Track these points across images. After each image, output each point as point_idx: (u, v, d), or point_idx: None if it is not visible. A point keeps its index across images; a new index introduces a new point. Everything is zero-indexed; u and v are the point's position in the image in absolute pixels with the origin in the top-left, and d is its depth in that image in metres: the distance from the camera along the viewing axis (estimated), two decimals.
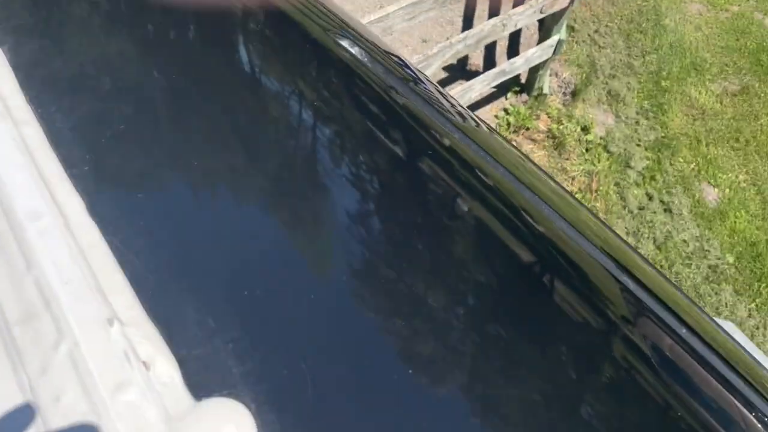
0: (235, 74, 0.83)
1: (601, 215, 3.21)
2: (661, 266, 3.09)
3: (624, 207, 3.26)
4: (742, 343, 2.08)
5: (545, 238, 0.78)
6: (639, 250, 3.12)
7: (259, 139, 0.75)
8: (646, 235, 3.18)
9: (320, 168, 0.74)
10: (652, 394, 0.66)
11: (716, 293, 3.05)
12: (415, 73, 1.02)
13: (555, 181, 1.08)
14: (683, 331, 0.73)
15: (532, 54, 3.17)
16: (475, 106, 3.47)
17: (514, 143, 3.38)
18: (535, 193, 0.82)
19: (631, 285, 0.75)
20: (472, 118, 1.07)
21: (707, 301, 3.02)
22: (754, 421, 0.69)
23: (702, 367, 0.71)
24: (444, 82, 3.47)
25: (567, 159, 3.39)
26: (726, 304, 3.03)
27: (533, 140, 3.41)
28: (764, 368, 0.94)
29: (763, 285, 3.10)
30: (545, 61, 3.26)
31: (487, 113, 3.48)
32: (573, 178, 3.33)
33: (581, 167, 3.35)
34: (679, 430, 0.64)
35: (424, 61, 2.72)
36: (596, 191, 3.28)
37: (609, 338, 0.70)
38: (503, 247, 0.73)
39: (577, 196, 3.26)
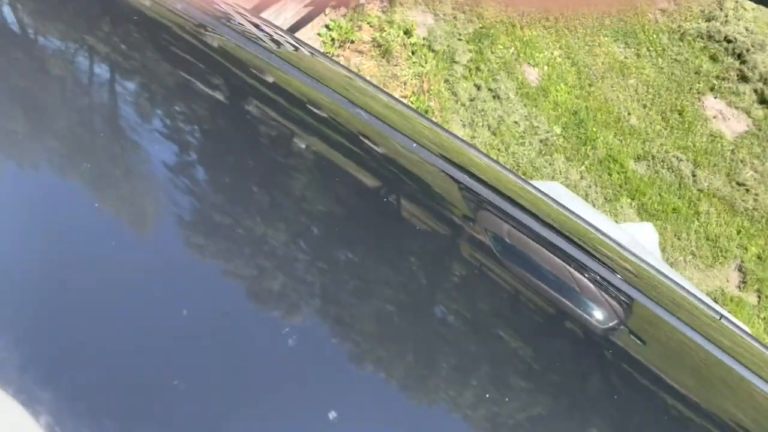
0: None
1: (436, 113, 3.31)
2: (498, 149, 3.27)
3: (456, 101, 3.38)
4: (572, 201, 2.24)
5: (385, 156, 0.77)
6: (476, 138, 3.28)
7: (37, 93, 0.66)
8: (481, 124, 3.33)
9: (124, 120, 0.67)
10: (500, 282, 0.69)
11: (550, 164, 3.29)
12: (223, 10, 0.95)
13: (387, 94, 1.06)
14: (521, 215, 0.75)
15: None
16: (295, 27, 3.38)
17: (341, 58, 3.35)
18: (368, 111, 0.79)
19: (469, 182, 0.76)
20: (292, 44, 1.02)
21: (543, 173, 3.25)
22: (588, 282, 0.73)
23: (541, 245, 0.74)
24: (257, 7, 3.33)
25: (396, 65, 3.42)
26: (560, 171, 3.28)
27: (360, 52, 3.40)
28: (592, 226, 1.01)
29: (589, 147, 3.38)
30: None
31: (309, 32, 3.40)
32: (405, 83, 3.38)
33: (411, 71, 3.41)
34: (523, 308, 0.68)
35: None
36: (428, 91, 3.36)
37: (455, 238, 0.71)
38: (345, 174, 0.71)
39: (411, 99, 3.32)
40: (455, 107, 3.36)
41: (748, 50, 3.81)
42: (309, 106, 0.77)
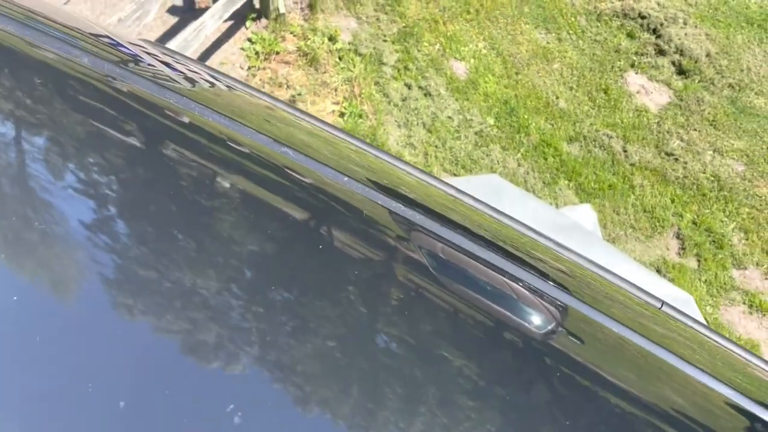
0: None
1: (370, 116, 3.31)
2: (435, 146, 3.29)
3: (389, 102, 3.38)
4: (510, 192, 2.26)
5: (312, 190, 0.74)
6: (412, 137, 3.29)
7: None
8: (415, 122, 3.34)
9: (33, 178, 0.63)
10: (439, 301, 0.67)
11: (487, 155, 3.33)
12: (130, 53, 0.90)
13: (312, 117, 1.03)
14: (452, 231, 0.74)
15: None
16: (216, 44, 3.31)
17: (268, 71, 3.30)
18: (292, 147, 0.76)
19: (398, 206, 0.75)
20: (208, 80, 0.98)
21: (482, 164, 3.29)
22: (525, 289, 0.72)
23: (475, 258, 0.73)
24: (176, 27, 3.25)
25: (324, 72, 3.40)
26: (498, 161, 3.33)
27: (287, 63, 3.36)
28: (527, 227, 1.01)
29: (523, 135, 3.44)
30: None
31: (232, 47, 3.34)
32: (335, 89, 3.36)
33: (340, 76, 3.39)
34: (463, 324, 0.66)
35: (139, 9, 2.50)
36: (360, 95, 3.35)
37: (390, 263, 0.70)
38: (272, 213, 0.69)
39: (344, 105, 3.31)
40: (388, 108, 3.36)
41: (662, 24, 3.95)
42: (229, 149, 0.74)
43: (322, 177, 0.75)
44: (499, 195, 2.15)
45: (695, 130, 3.62)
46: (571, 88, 3.65)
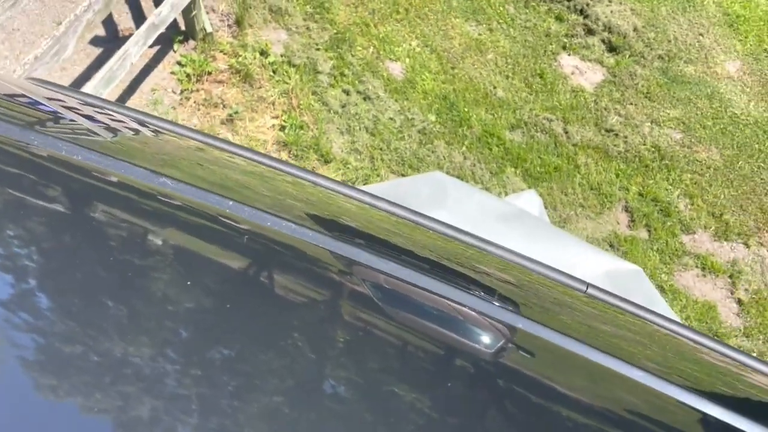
0: None
1: (311, 126, 3.28)
2: (380, 149, 3.29)
3: (329, 110, 3.36)
4: (454, 185, 2.25)
5: (245, 238, 0.71)
6: (356, 142, 3.27)
7: None
8: (358, 128, 3.33)
9: None
10: (387, 333, 0.66)
11: (432, 152, 3.34)
12: (48, 110, 0.85)
13: (244, 149, 0.99)
14: (394, 263, 0.71)
15: None
16: (145, 71, 3.24)
17: (202, 92, 3.25)
18: (221, 194, 0.73)
19: (336, 244, 0.72)
20: (131, 127, 0.93)
21: (428, 161, 3.29)
22: (471, 310, 0.70)
23: (419, 284, 0.71)
24: (100, 58, 3.16)
25: (260, 87, 3.35)
26: (443, 157, 3.34)
27: (220, 82, 3.31)
28: (470, 236, 1.00)
29: (465, 128, 3.46)
30: (194, 0, 3.12)
31: (161, 73, 3.27)
32: (273, 104, 3.32)
33: (276, 90, 3.35)
34: (412, 354, 0.65)
35: (56, 44, 2.42)
36: (299, 107, 3.32)
37: (333, 301, 0.68)
38: (204, 265, 0.65)
39: (283, 118, 3.27)
40: (329, 117, 3.34)
41: (587, 4, 4.02)
42: (149, 204, 0.71)
43: (257, 224, 0.72)
44: (444, 191, 2.14)
45: (631, 104, 3.70)
46: (507, 77, 3.69)
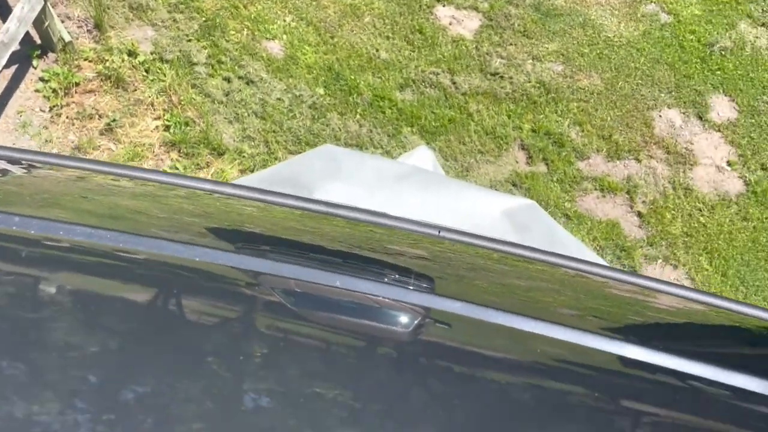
0: None
1: (197, 121, 3.17)
2: (274, 131, 3.22)
3: (213, 101, 3.25)
4: (346, 155, 2.23)
5: (140, 269, 0.66)
6: (247, 129, 3.19)
7: None
8: (246, 114, 3.25)
9: None
10: (306, 335, 0.65)
11: (327, 125, 3.31)
12: None
13: (127, 168, 0.92)
14: (299, 266, 0.68)
15: (21, 11, 2.79)
16: (6, 93, 3.02)
17: (73, 106, 3.06)
18: (109, 228, 0.67)
19: (240, 258, 0.69)
20: (5, 167, 0.85)
21: (324, 136, 3.26)
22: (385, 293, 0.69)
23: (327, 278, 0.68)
24: None
25: (135, 90, 3.20)
26: (339, 128, 3.31)
27: (91, 92, 3.13)
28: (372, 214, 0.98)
29: (355, 96, 3.43)
30: (43, 10, 2.91)
31: (24, 93, 3.06)
32: (152, 105, 3.18)
33: (152, 89, 3.21)
34: (333, 347, 0.62)
35: None
36: (180, 103, 3.20)
37: (247, 316, 0.65)
38: (102, 303, 0.60)
39: (165, 117, 3.14)
40: (214, 108, 3.24)
41: None
42: (37, 248, 0.65)
43: (150, 252, 0.67)
44: (337, 162, 2.12)
45: (511, 44, 3.77)
46: (387, 38, 3.68)
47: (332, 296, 0.68)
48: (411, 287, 0.69)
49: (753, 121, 3.73)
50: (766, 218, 3.43)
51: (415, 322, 0.69)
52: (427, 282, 0.75)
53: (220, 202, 0.91)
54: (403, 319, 0.69)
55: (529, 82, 3.64)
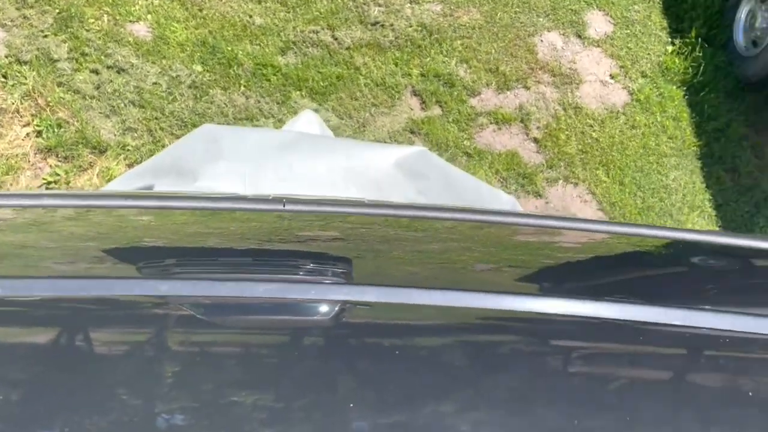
0: None
1: (71, 121, 2.97)
2: (156, 119, 3.07)
3: (84, 97, 3.05)
4: (226, 132, 2.14)
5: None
6: (126, 120, 3.02)
7: None
8: (123, 105, 3.07)
9: None
10: (220, 348, 0.62)
11: (211, 102, 3.18)
12: None
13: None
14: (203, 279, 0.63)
15: None
16: None
17: None
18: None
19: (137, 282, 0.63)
20: None
21: (209, 114, 3.13)
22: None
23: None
24: None
25: None
26: (224, 103, 3.19)
27: None
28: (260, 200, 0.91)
29: (236, 67, 3.30)
30: None
31: None
32: (18, 112, 2.95)
33: (15, 95, 2.97)
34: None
35: None
36: (48, 105, 2.98)
37: (159, 338, 0.61)
38: None
39: (35, 123, 2.93)
40: (86, 104, 3.04)
41: None
42: None
43: (45, 295, 0.62)
44: (218, 141, 2.04)
45: None
46: (259, 2, 3.53)
47: (244, 301, 0.65)
48: (328, 279, 0.68)
49: (628, 31, 3.85)
50: (652, 123, 3.59)
51: (336, 308, 0.67)
52: (345, 266, 0.73)
53: (112, 216, 0.85)
54: (323, 308, 0.67)
55: (411, 26, 3.61)
